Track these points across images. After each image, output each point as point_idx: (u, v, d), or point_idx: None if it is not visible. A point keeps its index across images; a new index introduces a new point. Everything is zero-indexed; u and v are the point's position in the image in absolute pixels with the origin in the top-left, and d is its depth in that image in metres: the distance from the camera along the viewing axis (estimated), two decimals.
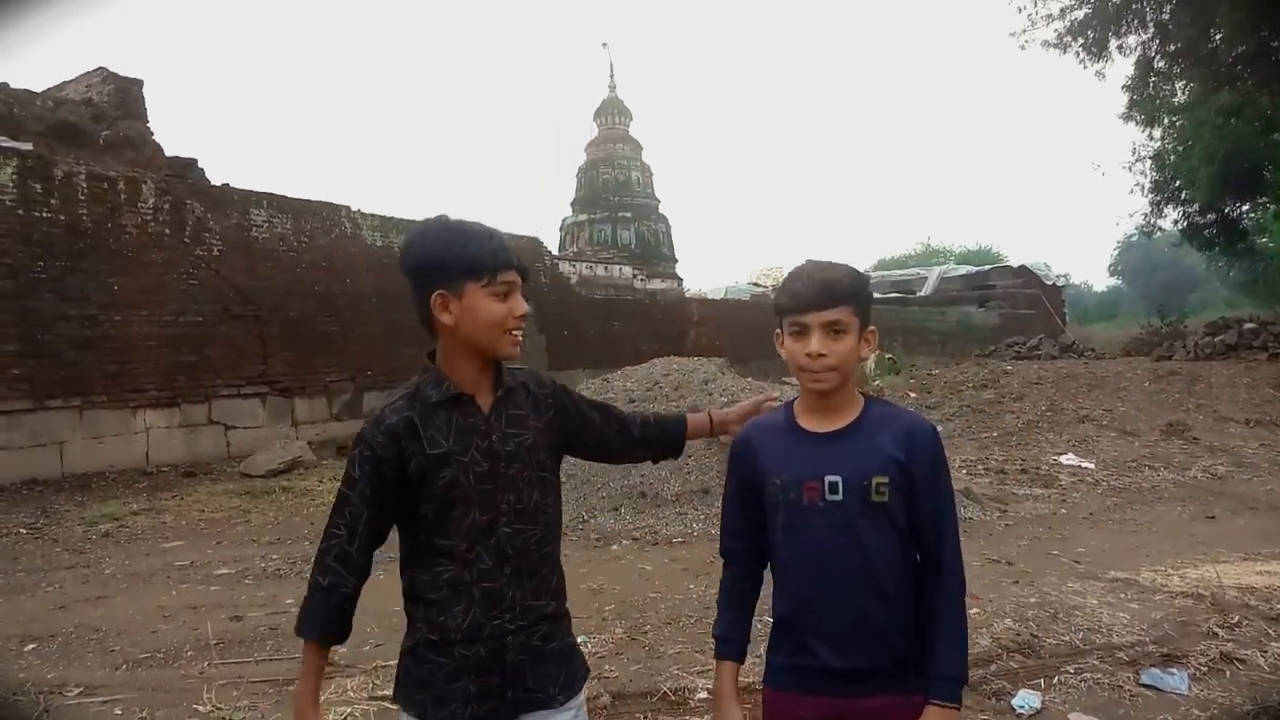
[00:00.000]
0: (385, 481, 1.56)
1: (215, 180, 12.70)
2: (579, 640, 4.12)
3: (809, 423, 1.65)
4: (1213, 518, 6.72)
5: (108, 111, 12.96)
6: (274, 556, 6.31)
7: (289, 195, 12.86)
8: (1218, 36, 17.11)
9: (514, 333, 1.61)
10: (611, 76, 30.53)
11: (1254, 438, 9.74)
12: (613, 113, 29.80)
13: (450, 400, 1.60)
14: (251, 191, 12.36)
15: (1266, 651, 3.77)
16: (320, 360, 12.78)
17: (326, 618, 1.59)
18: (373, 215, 13.93)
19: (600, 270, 23.20)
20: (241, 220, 12.02)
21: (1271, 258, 26.92)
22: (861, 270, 1.67)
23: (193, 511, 8.17)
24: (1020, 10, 19.26)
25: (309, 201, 13.13)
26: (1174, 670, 3.61)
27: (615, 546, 6.28)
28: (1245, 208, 23.51)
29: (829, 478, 1.57)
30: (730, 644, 1.73)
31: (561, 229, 29.91)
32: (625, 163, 29.29)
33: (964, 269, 35.91)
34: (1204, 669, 3.63)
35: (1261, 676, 3.55)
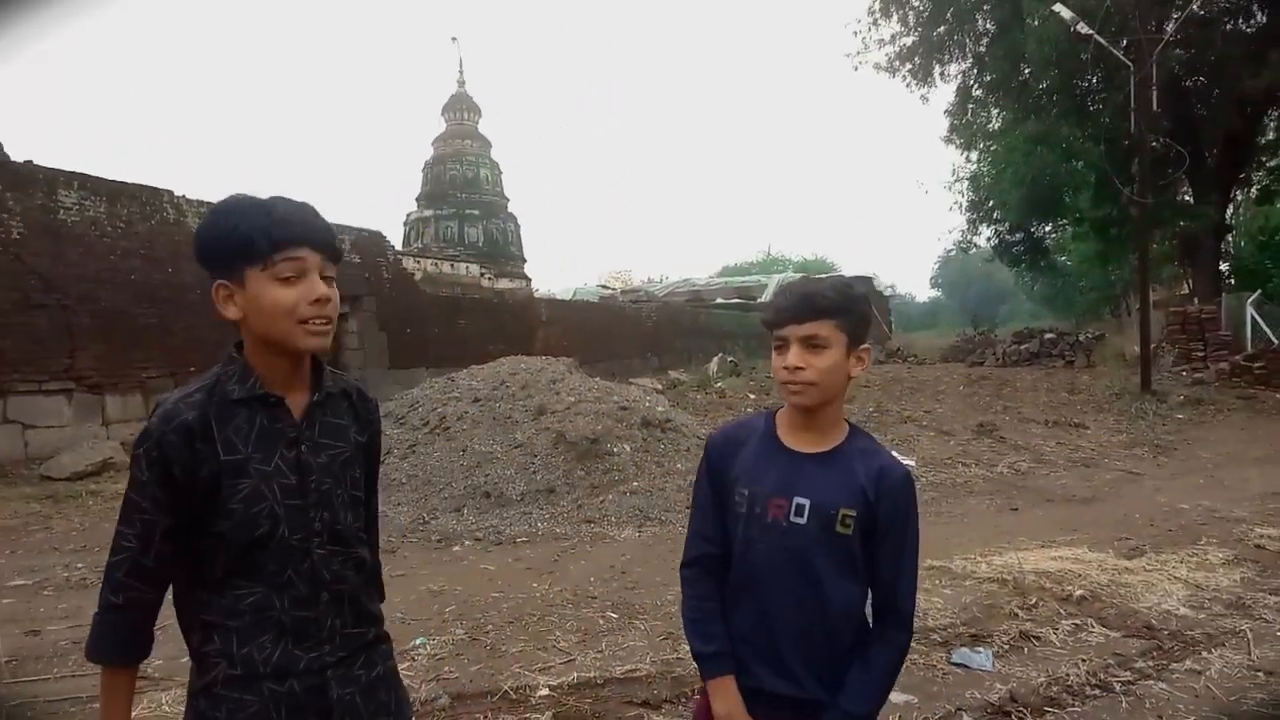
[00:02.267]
0: (177, 486, 1.31)
1: (17, 157, 11.52)
2: (418, 643, 4.04)
3: (789, 438, 1.60)
4: (1016, 509, 7.34)
5: None
6: (79, 565, 5.80)
7: (104, 177, 11.84)
8: (1027, 71, 18.76)
9: (313, 322, 1.34)
10: (461, 72, 29.91)
11: (1052, 437, 10.71)
12: (461, 108, 29.22)
13: (255, 399, 1.37)
14: (60, 170, 11.30)
15: (1058, 629, 4.16)
16: (136, 354, 11.83)
17: (122, 638, 1.35)
18: (199, 201, 13.03)
19: (446, 268, 22.68)
20: (47, 201, 10.96)
21: (1069, 275, 29.66)
22: (853, 287, 1.61)
23: None
24: (855, 34, 20.48)
25: (126, 184, 12.13)
26: (980, 649, 3.91)
27: (457, 547, 6.17)
28: (1048, 228, 25.82)
29: (797, 499, 1.53)
30: (724, 657, 1.59)
31: (406, 224, 29.07)
32: (474, 159, 28.79)
33: (798, 278, 37.63)
34: (1006, 647, 3.96)
35: (1054, 651, 3.90)
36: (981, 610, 4.48)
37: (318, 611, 1.38)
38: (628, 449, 8.07)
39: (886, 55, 20.41)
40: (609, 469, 7.66)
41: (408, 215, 29.16)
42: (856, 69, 21.52)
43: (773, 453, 1.59)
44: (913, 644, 3.83)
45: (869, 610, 1.59)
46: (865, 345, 1.58)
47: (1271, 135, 19.63)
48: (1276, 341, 15.39)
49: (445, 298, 19.04)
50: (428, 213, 28.35)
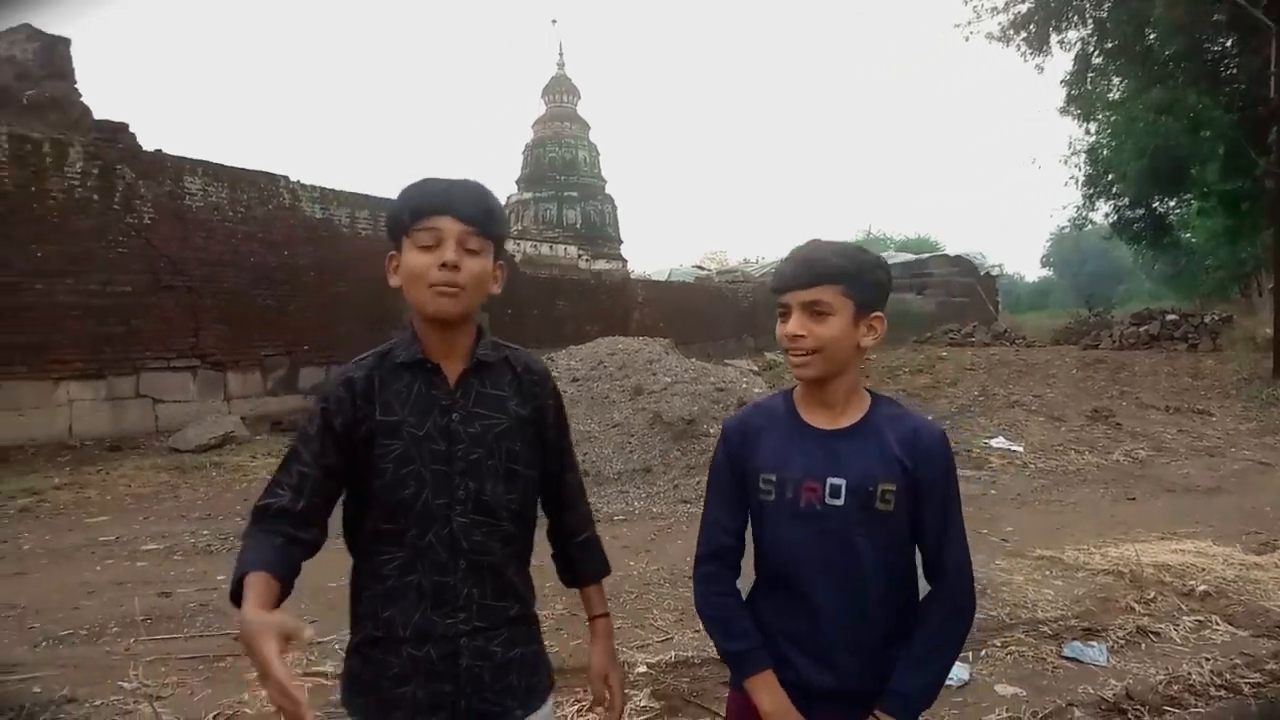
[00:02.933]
0: (336, 439, 1.37)
1: (147, 146, 12.23)
2: None
3: (811, 416, 1.50)
4: (1133, 499, 6.99)
5: (32, 70, 12.36)
6: (204, 532, 6.16)
7: (225, 164, 12.46)
8: (1152, 36, 17.67)
9: (440, 286, 1.37)
10: (560, 54, 30.24)
11: (1173, 424, 10.14)
12: (561, 90, 29.52)
13: (415, 364, 1.43)
14: (186, 158, 11.95)
15: (1179, 625, 3.95)
16: (255, 334, 12.45)
17: (267, 555, 1.29)
18: (313, 187, 13.58)
19: (545, 249, 23.02)
20: (175, 188, 11.61)
21: (1194, 252, 27.91)
22: (865, 252, 1.49)
23: (119, 486, 7.92)
24: (966, 2, 19.63)
25: (246, 170, 12.74)
26: (1094, 643, 3.76)
27: None
28: (1172, 203, 24.31)
29: (832, 480, 1.44)
30: (758, 652, 1.49)
31: (507, 206, 29.59)
32: (572, 141, 29.07)
33: (903, 256, 36.52)
34: (1121, 642, 3.79)
35: (1174, 649, 3.71)
36: (1095, 603, 4.30)
37: (455, 578, 1.40)
38: None
39: (999, 24, 19.49)
40: (705, 450, 7.65)
41: (508, 198, 29.70)
42: (967, 39, 20.70)
43: (797, 434, 1.49)
44: (1022, 635, 3.74)
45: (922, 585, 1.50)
46: (877, 313, 1.47)
47: None
48: None
49: (544, 279, 19.33)
50: (527, 195, 28.81)
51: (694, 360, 11.15)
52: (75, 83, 12.70)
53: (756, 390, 9.50)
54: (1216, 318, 18.17)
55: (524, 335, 17.03)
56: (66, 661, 3.68)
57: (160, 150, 11.92)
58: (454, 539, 1.40)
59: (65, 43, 12.84)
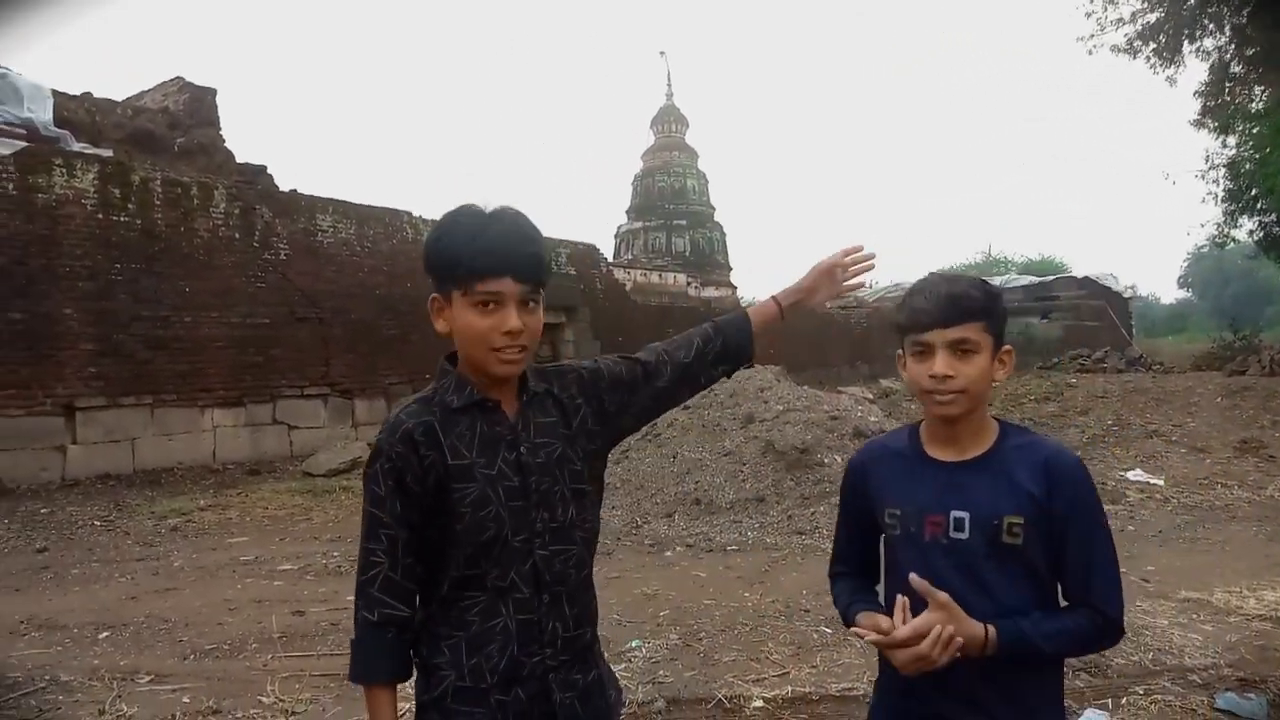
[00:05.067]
0: (411, 495, 1.36)
1: (283, 186, 13.04)
2: (634, 645, 4.14)
3: (935, 450, 1.50)
4: None
5: (183, 119, 13.41)
6: (335, 554, 6.44)
7: (353, 201, 13.16)
8: None
9: (505, 352, 1.36)
10: (669, 84, 30.57)
11: None
12: (669, 120, 29.86)
13: (474, 405, 1.41)
14: (317, 197, 12.68)
15: None
16: (380, 362, 13.03)
17: (385, 655, 1.38)
18: (433, 221, 14.16)
19: (655, 277, 23.21)
20: (308, 225, 12.33)
21: None
22: (995, 286, 1.50)
23: (257, 508, 8.38)
24: (1088, 15, 18.84)
25: (372, 207, 13.42)
26: (1251, 695, 3.47)
27: (669, 553, 6.27)
28: None
29: (955, 513, 1.43)
30: (856, 604, 1.53)
31: (617, 236, 30.04)
32: (681, 170, 29.30)
33: (1026, 279, 35.11)
34: None
35: None
36: (1251, 651, 3.98)
37: (540, 614, 1.40)
38: (839, 459, 7.87)
39: (1125, 35, 18.61)
40: (819, 479, 7.50)
41: (618, 228, 30.13)
42: (1091, 53, 19.83)
43: (920, 467, 1.49)
44: (1168, 684, 3.50)
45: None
46: (1007, 347, 1.47)
47: None
48: None
49: (655, 306, 19.49)
50: (637, 224, 29.15)
51: (806, 388, 10.99)
52: (220, 129, 13.70)
53: (872, 418, 9.27)
54: None
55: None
56: (211, 674, 3.91)
57: (295, 190, 12.70)
58: (537, 573, 1.40)
59: (212, 93, 13.87)
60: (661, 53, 43.54)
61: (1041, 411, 11.91)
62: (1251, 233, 23.60)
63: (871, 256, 1.75)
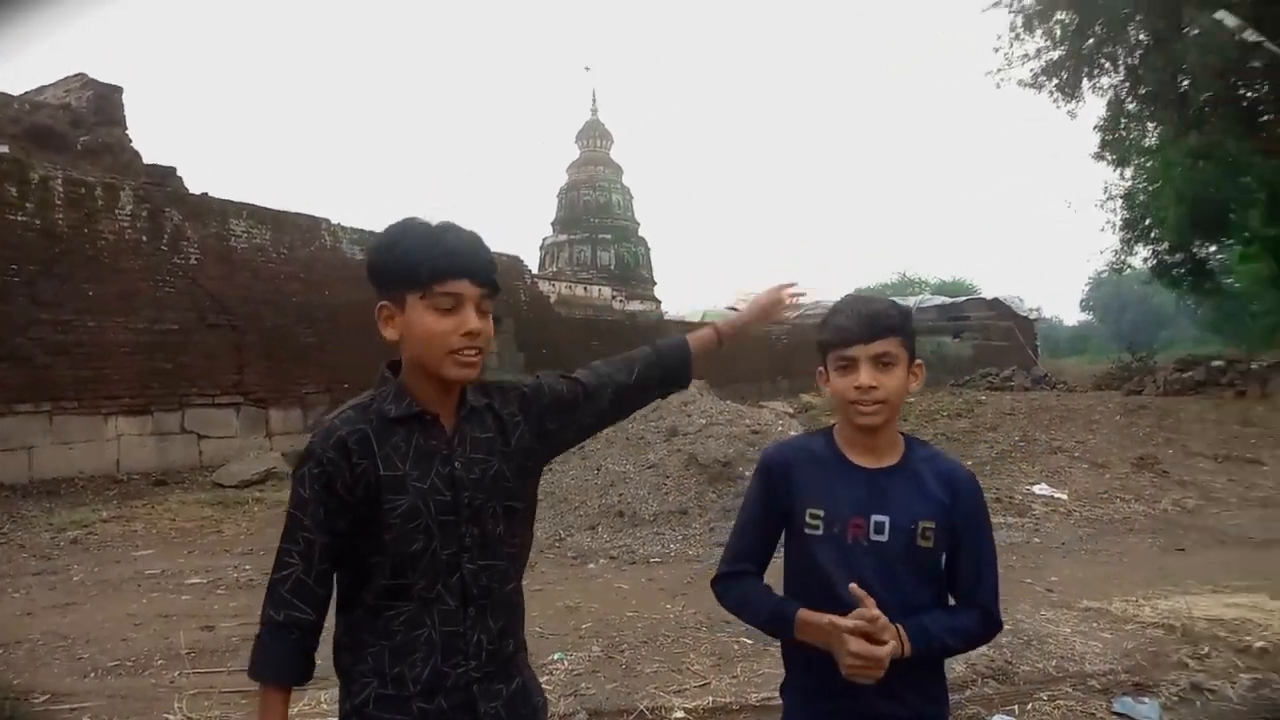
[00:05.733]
0: (338, 501, 1.35)
1: (194, 189, 12.62)
2: (556, 657, 4.12)
3: (856, 456, 1.59)
4: (1183, 550, 6.81)
5: (86, 117, 12.87)
6: (247, 567, 6.23)
7: (268, 206, 12.81)
8: (1186, 82, 17.61)
9: (463, 353, 1.38)
10: (594, 99, 30.79)
11: (1222, 473, 9.88)
12: (594, 135, 30.02)
13: (412, 418, 1.41)
14: (230, 201, 12.31)
15: (1235, 682, 3.82)
16: (296, 371, 12.69)
17: (284, 657, 1.37)
18: (352, 229, 13.89)
19: (580, 290, 23.26)
20: (220, 230, 11.95)
21: (1238, 298, 27.47)
22: (905, 304, 1.62)
23: (164, 520, 8.05)
24: (996, 50, 19.72)
25: (288, 213, 13.09)
26: (1145, 699, 3.65)
27: (592, 565, 6.27)
28: (1213, 249, 24.03)
29: (876, 517, 1.52)
30: (788, 600, 1.57)
31: (541, 249, 30.00)
32: (606, 185, 29.48)
33: (939, 300, 36.30)
34: (1175, 699, 3.67)
35: (1231, 707, 3.60)
36: (1146, 657, 4.18)
37: (465, 626, 1.40)
38: None
39: (1031, 70, 19.50)
40: (740, 493, 7.57)
41: (544, 240, 30.10)
42: (999, 86, 20.73)
43: (843, 472, 1.57)
44: (1070, 689, 3.65)
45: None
46: (919, 361, 1.59)
47: None
48: None
49: (579, 319, 19.50)
50: (562, 237, 29.17)
51: (729, 402, 11.13)
52: (126, 129, 13.19)
53: (792, 432, 9.46)
54: (1265, 364, 17.77)
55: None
56: (114, 692, 3.74)
57: (206, 194, 12.31)
58: (464, 586, 1.41)
59: (118, 91, 13.36)
60: (587, 68, 43.61)
61: (954, 427, 12.32)
62: (1146, 260, 24.98)
63: (804, 293, 1.93)
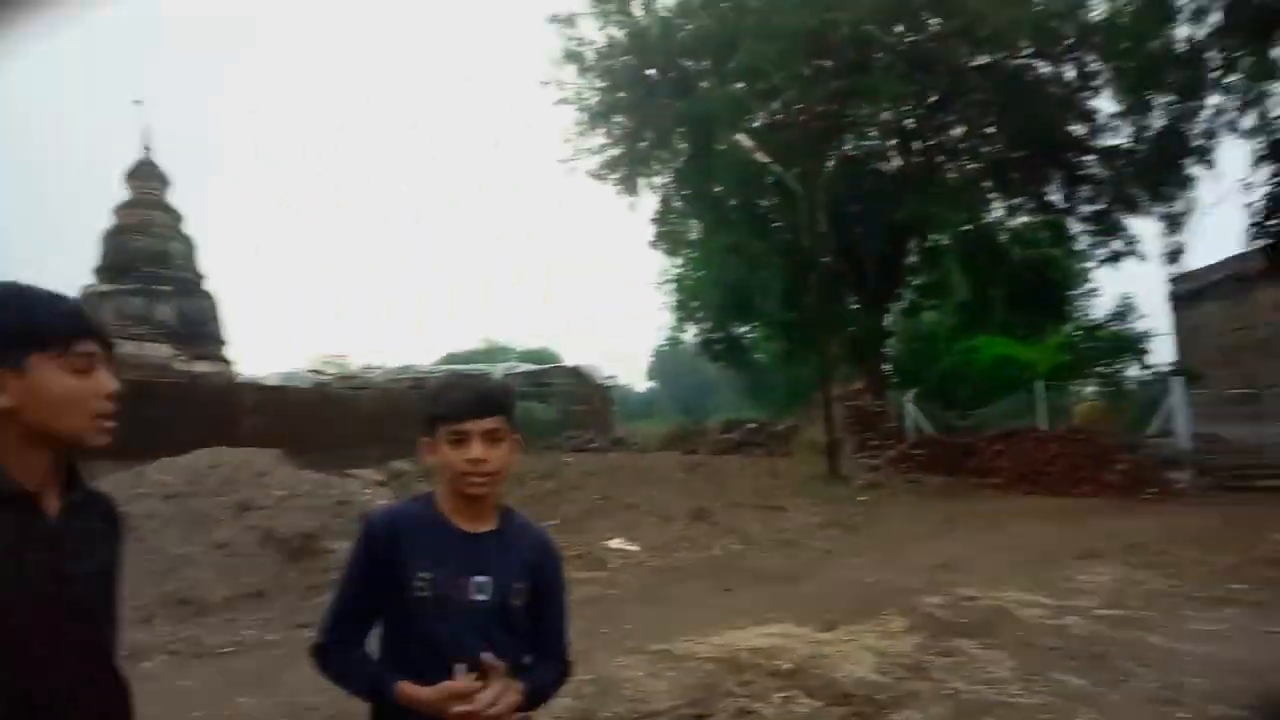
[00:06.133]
0: None
1: None
2: None
3: (460, 521, 1.67)
4: (730, 590, 7.79)
5: None
6: None
7: None
8: (718, 188, 20.94)
9: (103, 417, 1.28)
10: (146, 137, 27.26)
11: (758, 519, 11.57)
12: (147, 176, 26.71)
13: (9, 499, 1.20)
14: None
15: (771, 702, 4.45)
16: None
17: None
18: None
19: (131, 347, 20.43)
20: None
21: (765, 370, 32.64)
22: (509, 383, 1.76)
23: None
24: (566, 141, 21.74)
25: None
26: None
27: (148, 664, 5.42)
28: (745, 329, 28.46)
29: (477, 579, 1.61)
30: (390, 672, 1.57)
31: (82, 298, 25.76)
32: (163, 232, 26.34)
33: (526, 366, 38.03)
34: None
35: None
36: (703, 690, 4.69)
37: None
38: (348, 545, 7.62)
39: (596, 163, 21.79)
40: (327, 567, 7.16)
41: (84, 288, 25.87)
42: (570, 173, 22.85)
43: (447, 536, 1.65)
44: None
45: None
46: (517, 435, 1.73)
47: (914, 258, 23.26)
48: (934, 432, 17.95)
49: (129, 381, 17.06)
50: (107, 286, 25.34)
51: (310, 472, 10.49)
52: None
53: (381, 501, 9.17)
54: (785, 426, 21.28)
55: (108, 445, 14.75)
56: None
57: None
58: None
59: None
60: (138, 101, 38.44)
61: (542, 489, 12.88)
62: (695, 336, 28.80)
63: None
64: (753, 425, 21.17)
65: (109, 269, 25.69)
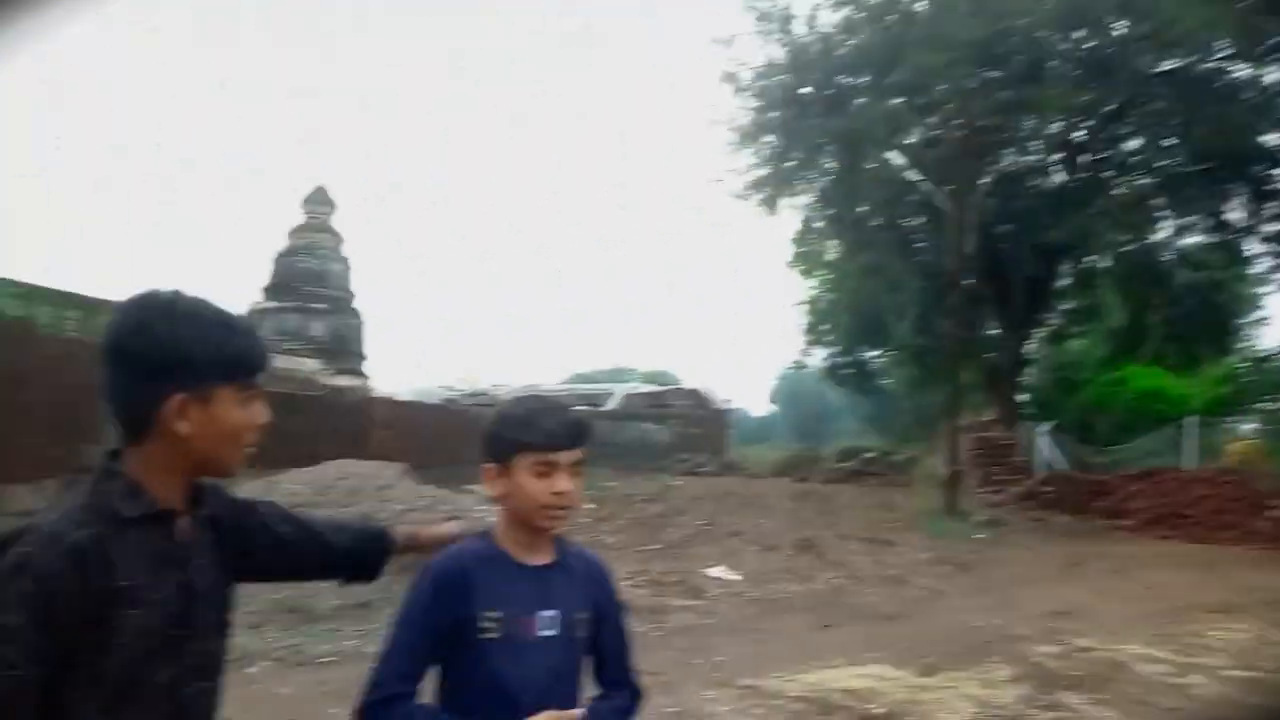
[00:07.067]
0: (60, 627, 1.10)
1: None
2: None
3: (521, 555, 1.61)
4: (828, 626, 7.60)
5: None
6: None
7: None
8: (860, 208, 20.60)
9: (251, 447, 1.32)
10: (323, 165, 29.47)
11: (866, 553, 11.23)
12: (319, 201, 28.84)
13: (149, 518, 1.22)
14: None
15: None
16: None
17: None
18: (9, 280, 12.13)
19: (284, 362, 21.84)
20: None
21: (890, 397, 31.75)
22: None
23: None
24: (715, 161, 21.93)
25: None
26: None
27: (253, 669, 5.76)
28: (875, 354, 27.83)
29: (544, 614, 1.57)
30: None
31: (250, 314, 27.82)
32: (324, 253, 28.24)
33: (646, 387, 38.38)
34: None
35: None
36: None
37: None
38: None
39: (741, 183, 21.85)
40: None
41: (251, 305, 27.96)
42: (714, 193, 23.03)
43: (513, 573, 1.58)
44: None
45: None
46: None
47: (1066, 281, 22.11)
48: (1067, 468, 17.00)
49: (278, 394, 18.25)
50: (271, 304, 27.32)
51: (430, 487, 10.88)
52: None
53: (492, 519, 9.42)
54: (906, 456, 20.62)
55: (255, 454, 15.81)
56: None
57: None
58: (180, 716, 1.26)
59: None
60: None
61: (648, 512, 12.97)
62: (822, 360, 28.38)
63: None
64: (871, 454, 20.64)
65: (275, 288, 27.68)
